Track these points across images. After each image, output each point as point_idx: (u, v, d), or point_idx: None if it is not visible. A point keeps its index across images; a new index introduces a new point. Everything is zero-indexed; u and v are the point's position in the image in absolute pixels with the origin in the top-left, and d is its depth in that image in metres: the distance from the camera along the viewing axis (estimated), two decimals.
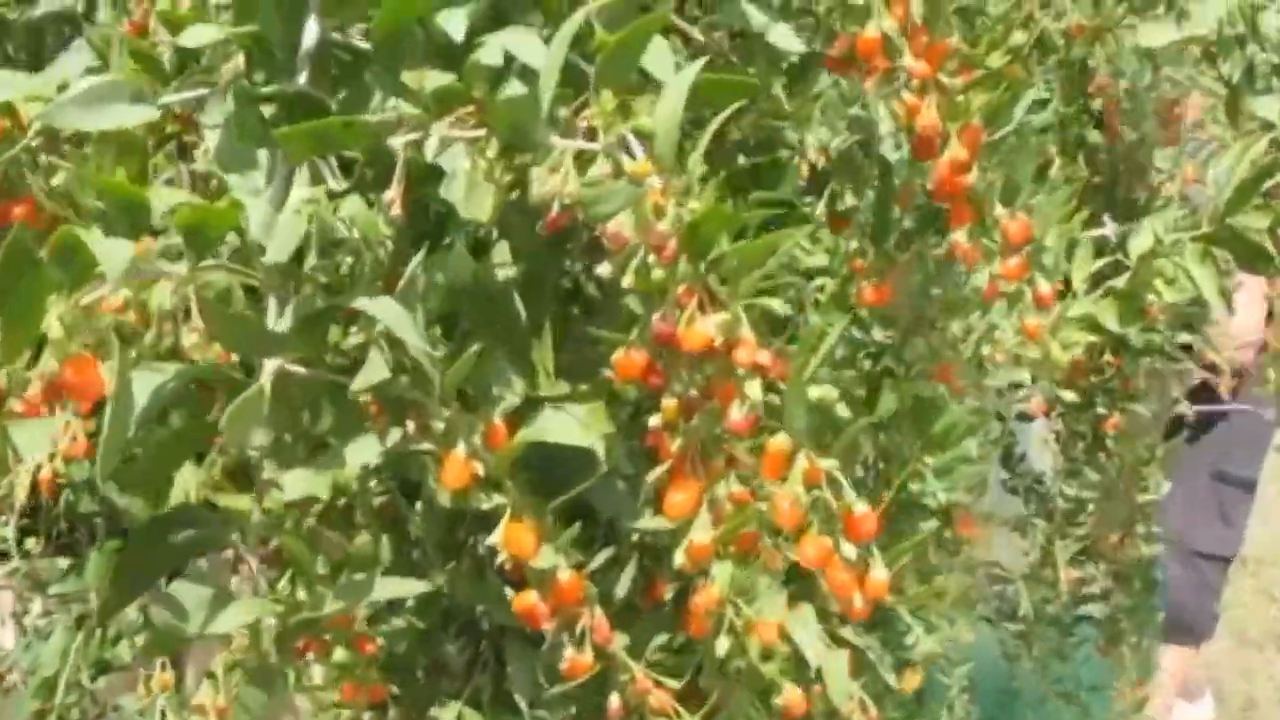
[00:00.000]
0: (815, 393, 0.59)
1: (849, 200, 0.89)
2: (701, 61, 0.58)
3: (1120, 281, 1.28)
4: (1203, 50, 1.44)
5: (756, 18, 0.79)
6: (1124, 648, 1.78)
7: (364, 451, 0.65)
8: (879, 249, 0.89)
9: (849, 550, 0.60)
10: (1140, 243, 1.27)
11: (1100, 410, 1.65)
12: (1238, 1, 1.35)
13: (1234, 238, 1.27)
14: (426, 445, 0.66)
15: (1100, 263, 1.30)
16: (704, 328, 0.58)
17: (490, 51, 0.59)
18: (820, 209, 0.92)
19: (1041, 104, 1.63)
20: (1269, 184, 1.30)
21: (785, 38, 0.79)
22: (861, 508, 0.61)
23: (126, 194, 0.54)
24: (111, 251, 0.50)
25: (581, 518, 0.70)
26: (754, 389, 0.58)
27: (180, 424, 0.62)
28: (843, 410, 0.59)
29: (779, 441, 0.60)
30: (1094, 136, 1.61)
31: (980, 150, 0.73)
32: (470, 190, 0.60)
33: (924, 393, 0.99)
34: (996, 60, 0.73)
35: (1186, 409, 1.85)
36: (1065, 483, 1.74)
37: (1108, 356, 1.59)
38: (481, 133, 0.59)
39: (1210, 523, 2.36)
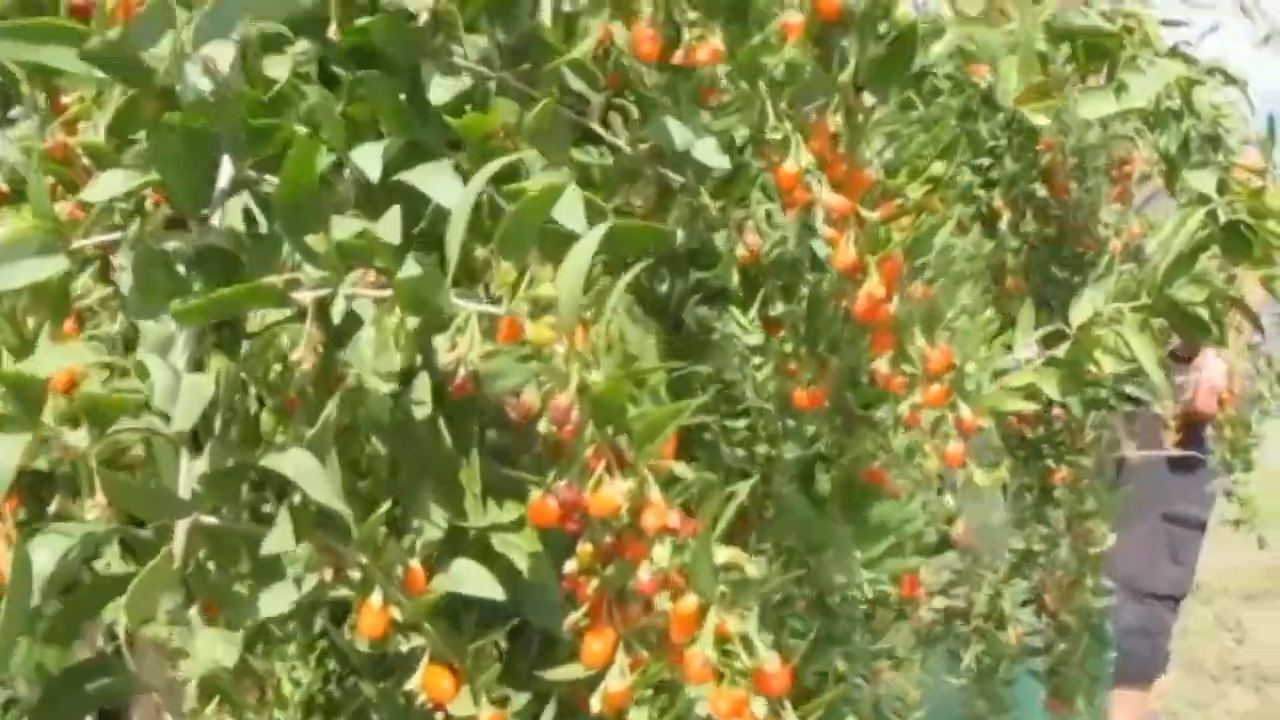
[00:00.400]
0: (722, 556, 0.58)
1: (780, 306, 0.88)
2: (605, 226, 0.56)
3: (1061, 350, 1.28)
4: (1142, 119, 1.44)
5: (681, 135, 0.78)
6: (1072, 700, 1.77)
7: (278, 601, 0.64)
8: (811, 353, 0.89)
9: (760, 706, 0.59)
10: (1080, 313, 1.27)
11: (1048, 463, 1.66)
12: (1174, 77, 1.35)
13: (1172, 309, 1.27)
14: (344, 591, 0.65)
15: (1041, 331, 1.30)
16: (611, 493, 0.57)
17: (388, 228, 0.58)
18: (753, 313, 0.91)
19: (986, 168, 1.63)
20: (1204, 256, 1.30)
21: (709, 154, 0.78)
22: (773, 664, 0.60)
23: (17, 381, 0.53)
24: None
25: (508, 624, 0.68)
26: (661, 552, 0.57)
27: (90, 582, 0.60)
28: (751, 570, 0.58)
29: (688, 604, 0.59)
30: (1042, 192, 1.61)
31: (901, 279, 0.72)
32: (379, 350, 0.59)
33: (856, 479, 0.98)
34: (915, 191, 0.72)
35: (1132, 452, 1.85)
36: (1013, 534, 1.73)
37: (1056, 410, 1.59)
38: (388, 293, 0.58)
39: (1161, 563, 2.36)
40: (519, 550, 0.73)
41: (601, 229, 0.56)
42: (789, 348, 0.89)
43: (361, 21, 0.70)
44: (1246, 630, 2.83)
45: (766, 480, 1.06)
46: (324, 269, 0.59)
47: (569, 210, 0.62)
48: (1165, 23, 1.48)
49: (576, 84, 0.80)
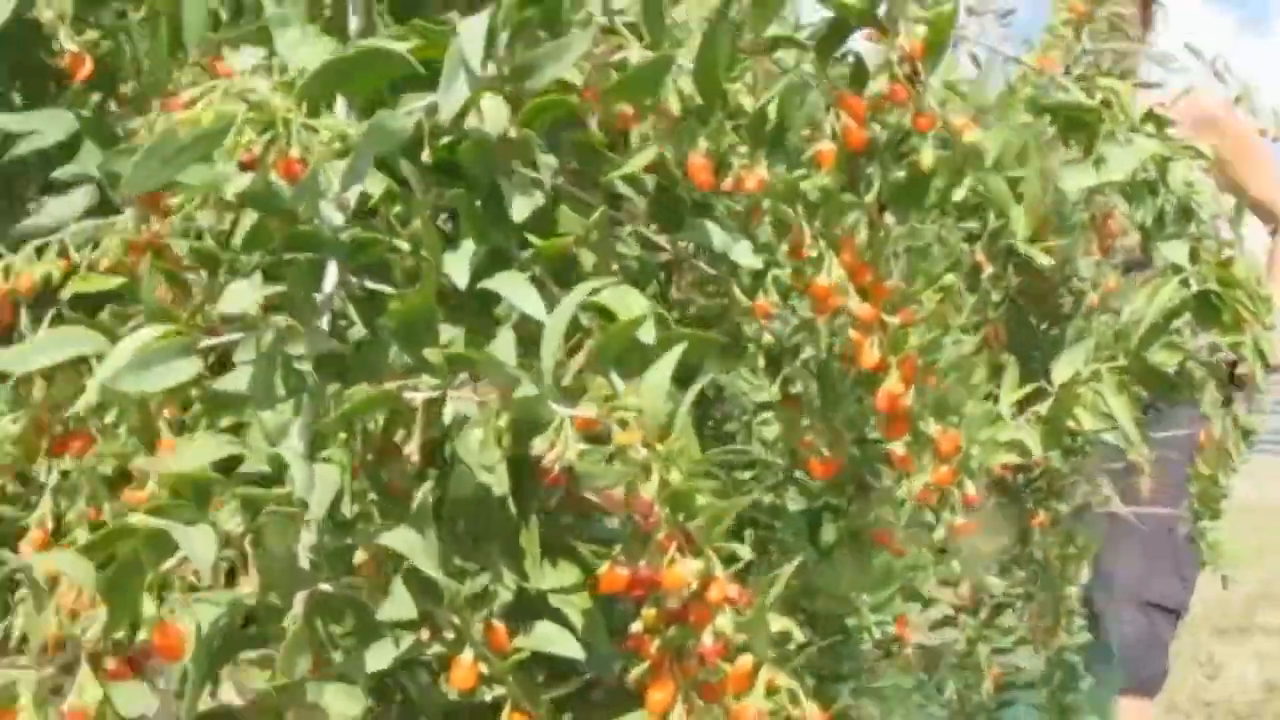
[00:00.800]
0: (776, 625, 0.71)
1: (798, 386, 1.02)
2: (681, 347, 0.70)
3: (1043, 407, 1.42)
4: (1119, 190, 1.59)
5: (720, 238, 0.92)
6: None
7: (381, 658, 0.77)
8: (826, 425, 1.02)
9: None
10: (1062, 372, 1.41)
11: (1028, 506, 1.81)
12: (1150, 153, 1.51)
13: (1147, 371, 1.42)
14: (436, 649, 0.78)
15: (1025, 390, 1.44)
16: (683, 571, 0.70)
17: (504, 349, 0.71)
18: (774, 389, 1.05)
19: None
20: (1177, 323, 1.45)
21: (744, 255, 0.92)
22: (814, 713, 0.73)
23: (196, 478, 0.65)
24: (197, 543, 0.61)
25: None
26: (724, 621, 0.71)
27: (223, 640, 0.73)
28: (798, 635, 0.72)
29: (744, 662, 0.72)
30: (1023, 248, 1.76)
31: (915, 374, 0.86)
32: (482, 449, 0.72)
33: (864, 534, 1.12)
34: (930, 298, 0.86)
35: (1118, 508, 2.00)
36: (995, 576, 1.88)
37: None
38: (492, 397, 0.71)
39: (1165, 575, 2.49)
40: (574, 609, 0.86)
41: (678, 350, 0.70)
42: (806, 421, 1.03)
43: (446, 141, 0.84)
44: (1219, 665, 2.99)
45: (771, 528, 1.20)
46: (437, 377, 0.72)
47: (645, 332, 0.75)
48: (1140, 85, 1.64)
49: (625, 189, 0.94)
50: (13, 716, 0.59)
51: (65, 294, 1.08)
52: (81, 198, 1.20)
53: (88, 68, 1.15)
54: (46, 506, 0.96)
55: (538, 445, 0.69)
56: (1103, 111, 1.56)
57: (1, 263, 1.10)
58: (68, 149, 1.22)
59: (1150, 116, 1.55)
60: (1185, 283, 1.46)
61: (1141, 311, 1.41)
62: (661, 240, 0.96)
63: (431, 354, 0.71)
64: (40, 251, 1.08)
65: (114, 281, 1.05)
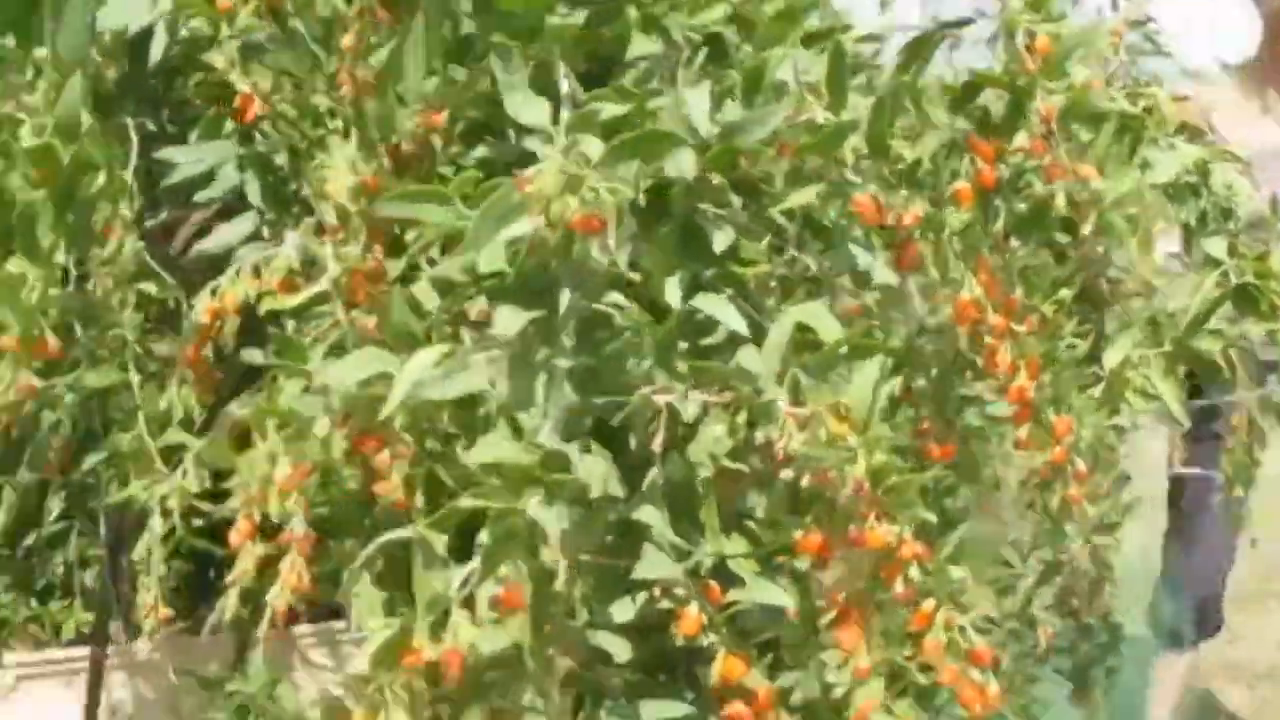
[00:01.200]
0: (956, 573, 0.94)
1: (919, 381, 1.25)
2: (879, 358, 0.93)
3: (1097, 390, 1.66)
4: (1163, 190, 1.83)
5: (863, 258, 1.15)
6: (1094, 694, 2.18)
7: (624, 612, 0.99)
8: (942, 416, 1.26)
9: (975, 674, 0.96)
10: (1113, 358, 1.65)
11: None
12: (1193, 158, 1.74)
13: (1192, 356, 1.66)
14: (666, 604, 1.00)
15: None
16: (883, 533, 0.93)
17: (750, 359, 0.94)
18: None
19: None
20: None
21: (883, 274, 1.15)
22: (982, 645, 0.96)
23: (514, 467, 0.88)
24: (545, 515, 0.84)
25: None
26: (914, 572, 0.94)
27: None
28: (971, 584, 0.95)
29: (927, 604, 0.95)
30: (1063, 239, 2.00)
31: (1037, 373, 1.09)
32: (716, 442, 0.95)
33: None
34: (1049, 308, 1.10)
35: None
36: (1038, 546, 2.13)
37: None
38: (728, 397, 0.94)
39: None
40: (747, 571, 1.09)
41: (877, 361, 0.93)
42: (925, 411, 1.26)
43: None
44: (1238, 629, 3.26)
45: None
46: (681, 383, 0.94)
47: (830, 334, 0.98)
48: (1176, 98, 1.88)
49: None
50: (417, 656, 0.81)
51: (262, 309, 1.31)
52: (247, 223, 1.42)
53: (256, 107, 1.36)
54: (249, 498, 1.19)
55: (767, 435, 0.92)
56: (1145, 118, 1.80)
57: (210, 285, 1.32)
58: (206, 175, 1.43)
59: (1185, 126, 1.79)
60: (1225, 275, 1.70)
61: (1187, 302, 1.65)
62: (810, 261, 1.19)
63: (682, 367, 0.94)
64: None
65: (299, 299, 1.28)
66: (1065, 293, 1.12)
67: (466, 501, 0.85)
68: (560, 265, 0.94)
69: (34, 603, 2.01)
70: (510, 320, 0.98)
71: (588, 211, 0.85)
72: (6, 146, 0.95)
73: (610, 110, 1.02)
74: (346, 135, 1.26)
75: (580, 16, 1.07)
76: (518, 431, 0.97)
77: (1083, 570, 2.17)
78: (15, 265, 0.97)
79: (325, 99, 1.34)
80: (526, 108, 1.06)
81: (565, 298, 1.01)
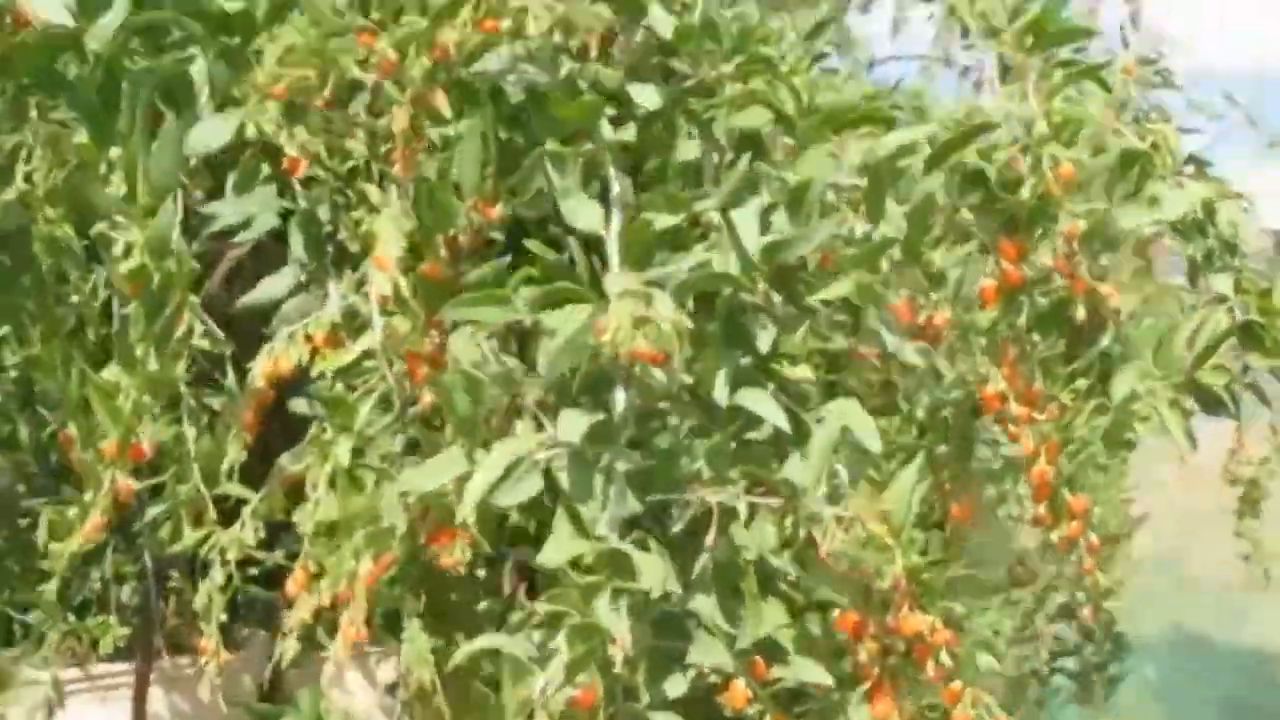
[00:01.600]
0: (983, 662, 1.07)
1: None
2: (918, 462, 1.05)
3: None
4: (1170, 226, 1.94)
5: (891, 340, 1.27)
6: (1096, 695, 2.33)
7: (675, 688, 1.12)
8: (963, 470, 1.38)
9: None
10: (1120, 388, 1.77)
11: None
12: (1200, 197, 1.86)
13: (1198, 389, 1.78)
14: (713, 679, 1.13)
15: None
16: (917, 622, 1.06)
17: (796, 471, 1.06)
18: None
19: None
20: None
21: (912, 355, 1.27)
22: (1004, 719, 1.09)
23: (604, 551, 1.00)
24: (651, 569, 0.97)
25: None
26: (946, 657, 1.07)
27: None
28: (995, 665, 1.08)
29: (957, 685, 1.08)
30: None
31: (1056, 456, 1.21)
32: (769, 538, 1.07)
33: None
34: (1066, 396, 1.22)
35: None
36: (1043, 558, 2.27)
37: None
38: (778, 502, 1.06)
39: None
40: (787, 639, 1.22)
41: (917, 464, 1.05)
42: (945, 475, 1.39)
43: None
44: (1248, 616, 3.43)
45: None
46: (728, 484, 1.06)
47: (869, 437, 1.10)
48: (1181, 130, 1.99)
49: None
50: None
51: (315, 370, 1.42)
52: (289, 276, 1.53)
53: (304, 166, 1.47)
54: (307, 551, 1.32)
55: (817, 535, 1.04)
56: (1152, 154, 1.90)
57: (265, 347, 1.44)
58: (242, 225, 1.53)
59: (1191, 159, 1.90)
60: (1231, 312, 1.82)
61: (1192, 336, 1.77)
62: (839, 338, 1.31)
63: (734, 473, 1.06)
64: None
65: (348, 357, 1.40)
66: (1082, 382, 1.24)
67: (543, 606, 0.98)
68: (618, 371, 1.06)
69: (71, 617, 2.13)
70: (573, 425, 1.10)
71: (654, 349, 0.97)
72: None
73: (663, 221, 1.13)
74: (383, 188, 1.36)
75: (632, 130, 1.17)
76: (575, 519, 1.10)
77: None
78: (110, 373, 1.07)
79: (364, 148, 1.44)
80: (581, 212, 1.17)
81: (620, 399, 1.12)
